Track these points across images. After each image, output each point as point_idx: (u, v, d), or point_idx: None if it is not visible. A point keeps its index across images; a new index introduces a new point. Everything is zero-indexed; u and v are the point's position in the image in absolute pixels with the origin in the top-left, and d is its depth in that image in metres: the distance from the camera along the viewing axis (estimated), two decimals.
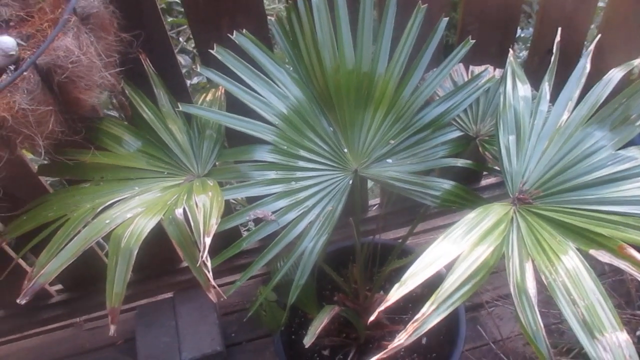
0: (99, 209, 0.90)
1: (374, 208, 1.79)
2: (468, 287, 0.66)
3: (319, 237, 1.02)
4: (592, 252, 0.67)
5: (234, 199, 1.44)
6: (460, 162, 1.10)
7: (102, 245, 1.66)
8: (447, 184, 1.04)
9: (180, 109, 1.00)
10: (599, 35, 0.93)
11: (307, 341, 1.07)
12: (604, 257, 0.66)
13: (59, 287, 1.67)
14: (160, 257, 1.66)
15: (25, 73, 0.83)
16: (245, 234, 1.11)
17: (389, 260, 1.32)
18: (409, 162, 1.10)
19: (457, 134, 1.11)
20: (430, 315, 0.63)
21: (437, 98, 1.12)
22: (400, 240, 1.80)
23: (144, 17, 1.09)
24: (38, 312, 1.65)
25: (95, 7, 0.93)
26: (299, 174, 1.04)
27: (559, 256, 0.67)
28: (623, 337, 0.58)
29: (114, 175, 1.01)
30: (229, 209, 1.34)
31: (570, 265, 0.66)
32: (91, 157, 1.00)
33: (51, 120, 0.90)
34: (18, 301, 0.79)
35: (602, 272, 1.47)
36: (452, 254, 0.68)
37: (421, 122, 1.10)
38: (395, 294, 0.63)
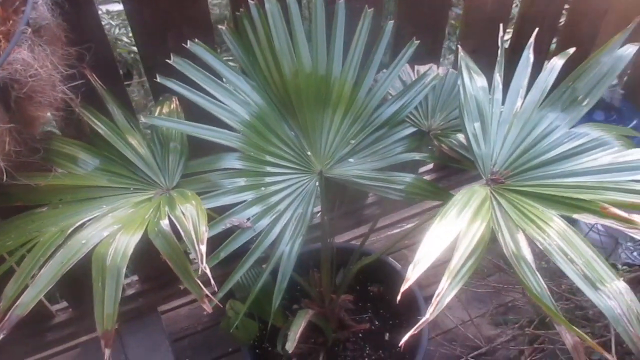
0: (69, 231, 0.84)
1: (317, 215, 1.81)
2: (472, 261, 0.70)
3: (295, 240, 1.02)
4: (576, 216, 0.74)
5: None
6: (418, 156, 1.15)
7: None
8: (408, 178, 1.08)
9: (144, 120, 0.96)
10: (537, 30, 1.02)
11: (290, 346, 1.07)
12: (589, 219, 0.72)
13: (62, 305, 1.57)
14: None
15: None
16: None
17: (352, 262, 1.35)
18: (370, 160, 1.13)
19: (412, 129, 1.16)
20: (447, 290, 0.66)
21: (390, 97, 1.17)
22: (353, 242, 1.85)
23: (87, 30, 1.04)
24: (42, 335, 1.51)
25: (46, 19, 0.87)
26: (267, 180, 1.04)
27: (548, 223, 0.73)
28: (621, 285, 0.64)
29: (73, 197, 0.94)
30: None
31: (560, 229, 0.72)
32: (45, 179, 0.93)
33: (7, 140, 0.83)
34: None
35: None
36: (454, 231, 0.71)
37: (378, 120, 1.14)
38: (413, 273, 0.65)
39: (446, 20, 1.45)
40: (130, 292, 1.63)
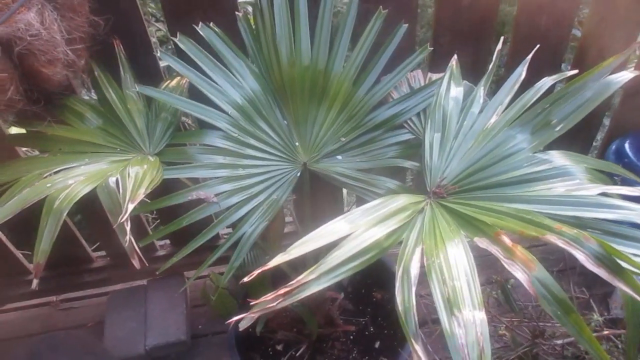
0: (45, 174, 0.96)
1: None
2: (356, 263, 0.68)
3: (259, 223, 1.05)
4: (476, 239, 0.69)
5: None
6: (408, 164, 1.12)
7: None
8: (391, 184, 1.06)
9: (137, 89, 1.05)
10: (537, 46, 0.95)
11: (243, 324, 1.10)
12: (483, 243, 0.67)
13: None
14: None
15: None
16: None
17: None
18: (358, 159, 1.13)
19: (408, 136, 1.13)
20: (309, 283, 0.65)
21: (392, 100, 1.15)
22: None
23: (120, 1, 1.15)
24: (16, 287, 1.71)
25: None
26: (246, 162, 1.08)
27: (445, 242, 0.69)
28: (480, 315, 0.59)
29: (71, 148, 1.06)
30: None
31: (452, 250, 0.67)
32: (53, 130, 1.06)
33: (10, 88, 0.96)
34: None
35: None
36: (345, 231, 0.70)
37: (373, 122, 1.13)
38: (277, 259, 0.66)
39: (491, 30, 1.37)
40: (161, 253, 1.76)
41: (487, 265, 0.97)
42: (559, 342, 0.98)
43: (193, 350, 1.68)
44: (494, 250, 0.65)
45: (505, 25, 2.96)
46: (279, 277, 1.37)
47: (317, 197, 1.48)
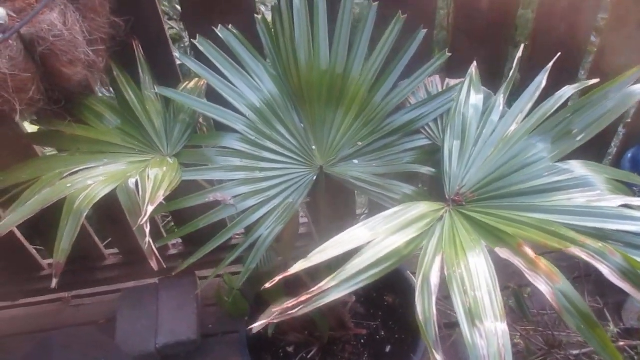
0: (65, 174, 0.96)
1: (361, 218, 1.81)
2: (376, 270, 0.69)
3: (275, 227, 1.05)
4: (497, 249, 0.69)
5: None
6: (424, 169, 1.12)
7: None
8: (407, 189, 1.06)
9: (157, 91, 1.06)
10: (559, 54, 0.94)
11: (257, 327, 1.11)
12: (504, 254, 0.67)
13: (51, 260, 1.74)
14: None
15: (10, 41, 0.91)
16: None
17: None
18: (374, 164, 1.13)
19: (425, 142, 1.13)
20: (329, 290, 0.65)
21: (409, 106, 1.15)
22: None
23: (140, 2, 1.16)
24: (29, 282, 1.73)
25: None
26: (263, 165, 1.09)
27: (466, 251, 0.69)
28: (502, 327, 0.59)
29: (89, 148, 1.07)
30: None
31: (473, 260, 0.67)
32: (71, 129, 1.07)
33: (32, 88, 0.97)
34: None
35: None
36: (365, 238, 0.70)
37: (390, 127, 1.13)
38: (298, 266, 0.66)
39: (509, 34, 1.37)
40: (173, 252, 1.77)
41: (501, 273, 0.98)
42: (575, 352, 0.98)
43: (203, 349, 1.69)
44: (517, 261, 0.65)
45: (518, 29, 2.93)
46: (291, 280, 1.38)
47: (331, 199, 1.49)
